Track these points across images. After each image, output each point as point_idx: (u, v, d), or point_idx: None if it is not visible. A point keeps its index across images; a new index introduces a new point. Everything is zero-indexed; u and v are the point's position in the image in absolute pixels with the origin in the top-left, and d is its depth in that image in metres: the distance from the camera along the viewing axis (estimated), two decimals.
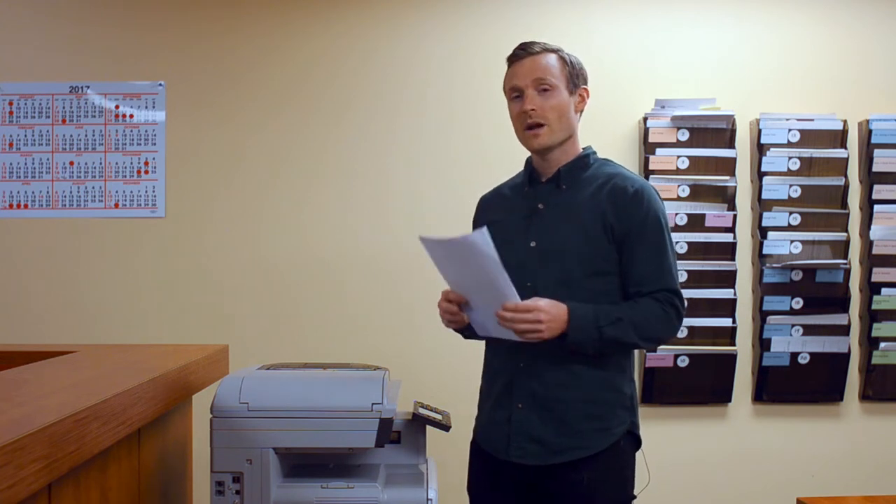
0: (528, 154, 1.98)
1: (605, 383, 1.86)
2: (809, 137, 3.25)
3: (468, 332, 1.94)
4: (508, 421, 1.86)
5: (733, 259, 3.23)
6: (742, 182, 3.27)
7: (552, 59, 1.87)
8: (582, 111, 1.93)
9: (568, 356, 1.82)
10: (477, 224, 2.04)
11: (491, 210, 2.01)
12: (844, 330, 3.24)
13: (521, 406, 1.85)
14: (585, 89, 1.92)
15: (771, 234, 3.23)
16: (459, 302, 1.82)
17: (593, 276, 1.83)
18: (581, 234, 1.84)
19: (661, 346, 3.15)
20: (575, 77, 1.89)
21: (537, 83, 1.85)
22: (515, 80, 1.88)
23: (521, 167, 2.02)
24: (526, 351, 1.84)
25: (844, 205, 3.25)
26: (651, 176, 3.21)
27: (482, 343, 2.01)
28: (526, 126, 1.86)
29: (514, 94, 1.89)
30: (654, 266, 1.83)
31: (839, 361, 3.25)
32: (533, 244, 1.86)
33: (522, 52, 1.88)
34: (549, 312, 1.74)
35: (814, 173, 3.25)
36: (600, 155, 1.97)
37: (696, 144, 3.24)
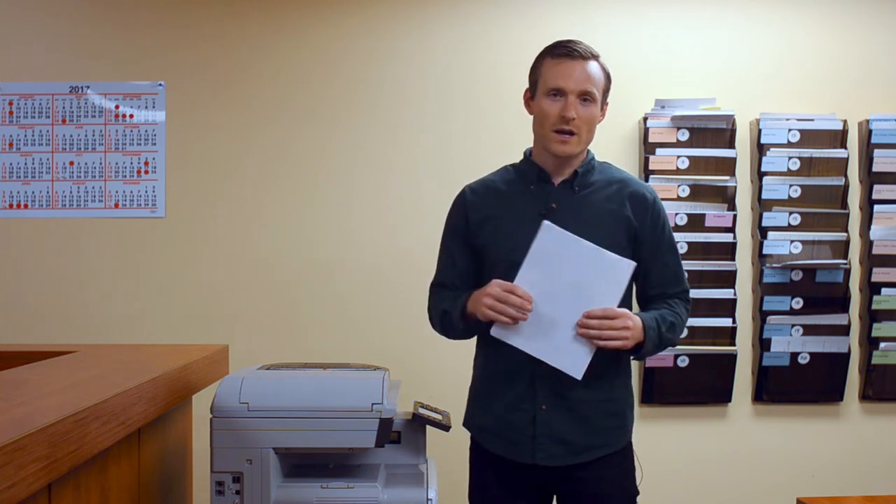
0: (524, 150, 1.98)
1: (620, 382, 1.92)
2: (809, 137, 3.25)
3: (461, 332, 1.92)
4: (532, 423, 1.84)
5: (733, 259, 3.23)
6: (742, 182, 3.27)
7: (598, 69, 1.85)
8: (599, 123, 1.91)
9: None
10: (469, 217, 1.94)
11: (486, 204, 1.93)
12: (844, 330, 3.24)
13: (545, 407, 1.84)
14: (607, 104, 1.93)
15: (771, 234, 3.23)
16: (529, 300, 1.74)
17: None
18: (603, 236, 1.83)
19: None
20: (606, 93, 1.90)
21: (583, 94, 1.82)
22: (563, 82, 1.82)
23: None
24: None
25: (844, 205, 3.25)
26: (651, 176, 3.21)
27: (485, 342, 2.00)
28: (559, 130, 1.83)
29: (555, 93, 1.83)
30: (674, 270, 1.94)
31: (839, 361, 3.25)
32: None
33: (576, 54, 1.83)
34: (635, 321, 1.79)
35: (814, 173, 3.25)
36: (600, 156, 1.99)
37: (696, 144, 3.24)
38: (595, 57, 1.86)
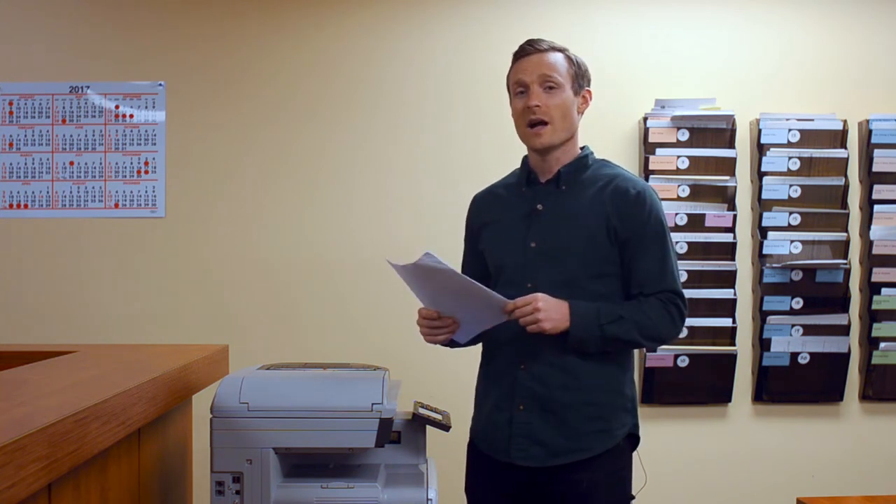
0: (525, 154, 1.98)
1: (607, 386, 1.86)
2: (809, 137, 3.25)
3: (452, 343, 1.95)
4: (510, 423, 1.85)
5: (733, 259, 3.23)
6: (742, 182, 3.27)
7: (559, 57, 1.87)
8: (583, 113, 1.92)
9: (570, 358, 1.82)
10: (472, 224, 2.04)
11: (486, 210, 2.01)
12: (844, 330, 3.24)
13: (522, 408, 1.84)
14: (589, 91, 1.92)
15: (771, 234, 3.23)
16: (433, 317, 1.85)
17: (595, 277, 1.83)
18: (584, 235, 1.84)
19: (662, 346, 3.16)
20: (580, 78, 1.89)
21: (543, 80, 1.84)
22: (521, 75, 1.86)
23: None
24: (527, 353, 1.84)
25: (844, 205, 3.25)
26: (651, 176, 3.21)
27: (482, 344, 2.01)
28: (529, 123, 1.84)
29: (519, 89, 1.87)
30: (656, 268, 1.84)
31: (839, 361, 3.25)
32: (533, 245, 1.86)
33: (530, 48, 1.87)
34: (546, 301, 1.76)
35: (814, 173, 3.25)
36: (600, 155, 1.97)
37: (696, 144, 3.24)
38: (556, 48, 1.88)
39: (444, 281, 1.75)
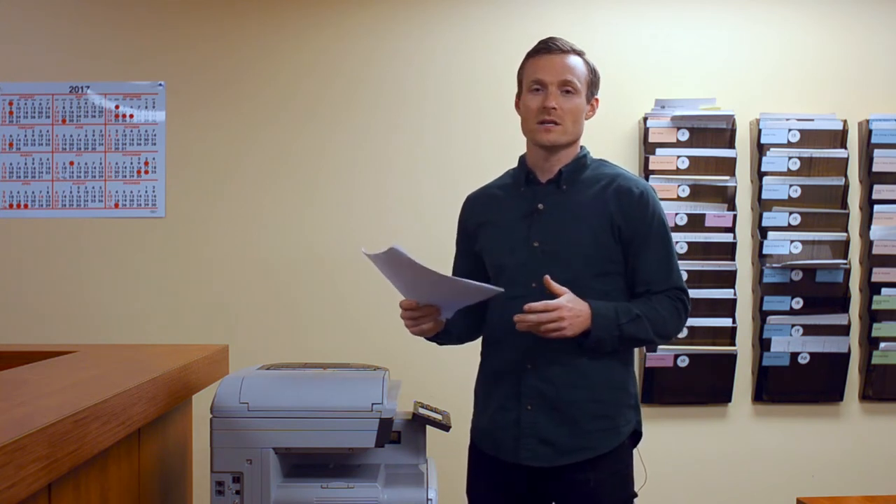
0: (520, 154, 1.98)
1: (613, 383, 1.87)
2: (809, 137, 3.25)
3: (441, 338, 1.95)
4: (517, 423, 1.85)
5: (733, 259, 3.23)
6: (742, 182, 3.27)
7: (580, 62, 1.88)
8: (588, 119, 1.93)
9: (576, 356, 1.82)
10: (466, 224, 2.03)
11: (481, 210, 2.00)
12: (844, 330, 3.24)
13: (530, 407, 1.84)
14: (597, 100, 1.94)
15: (771, 234, 3.23)
16: (413, 307, 1.83)
17: (600, 276, 1.84)
18: (588, 234, 1.84)
19: (661, 346, 3.16)
20: (593, 86, 1.91)
21: (563, 84, 1.84)
22: (541, 74, 1.85)
23: None
24: (533, 352, 1.83)
25: (844, 205, 3.25)
26: (651, 176, 3.21)
27: (481, 343, 2.01)
28: (541, 121, 1.85)
29: (536, 86, 1.86)
30: (662, 266, 1.86)
31: (839, 361, 3.25)
32: (536, 244, 1.86)
33: (554, 47, 1.87)
34: (571, 309, 1.75)
35: (814, 173, 3.25)
36: (600, 155, 1.98)
37: (696, 144, 3.24)
38: (576, 52, 1.89)
39: (414, 273, 1.73)
